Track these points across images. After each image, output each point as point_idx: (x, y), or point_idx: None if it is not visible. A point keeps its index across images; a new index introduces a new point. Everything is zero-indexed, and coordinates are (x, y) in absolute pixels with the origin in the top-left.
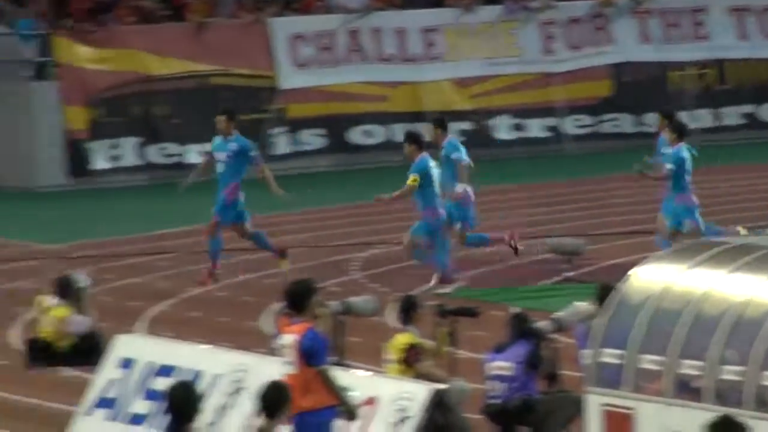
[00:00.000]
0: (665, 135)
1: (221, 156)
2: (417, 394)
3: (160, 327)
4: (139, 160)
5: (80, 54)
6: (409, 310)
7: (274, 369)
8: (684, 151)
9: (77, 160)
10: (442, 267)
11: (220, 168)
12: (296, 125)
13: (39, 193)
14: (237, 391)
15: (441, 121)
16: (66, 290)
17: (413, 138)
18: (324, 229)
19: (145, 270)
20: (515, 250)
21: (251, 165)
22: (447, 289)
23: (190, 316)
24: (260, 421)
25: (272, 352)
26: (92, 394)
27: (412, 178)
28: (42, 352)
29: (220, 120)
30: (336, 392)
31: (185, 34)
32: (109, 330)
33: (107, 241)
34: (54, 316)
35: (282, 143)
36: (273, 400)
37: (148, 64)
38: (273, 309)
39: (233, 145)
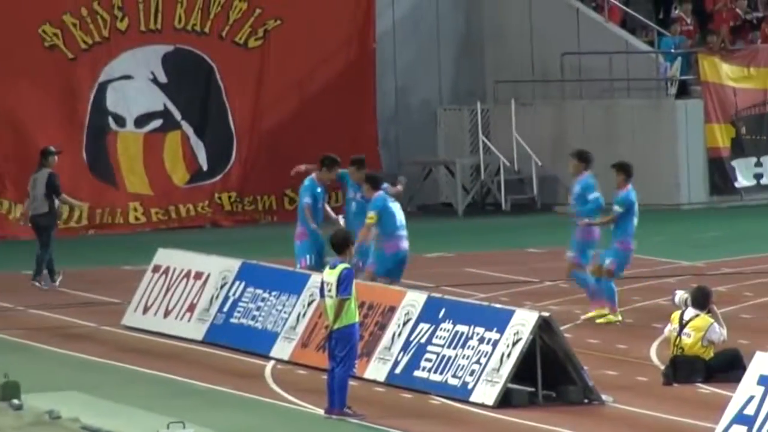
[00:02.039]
0: None
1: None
2: None
3: None
4: None
5: (723, 72)
6: None
7: None
8: None
9: (720, 178)
10: None
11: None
12: None
13: (682, 210)
14: None
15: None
16: (703, 301)
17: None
18: None
19: None
20: None
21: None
22: None
23: None
24: None
25: None
26: (730, 411)
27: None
28: (682, 368)
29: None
30: None
31: None
32: (748, 347)
33: (746, 259)
34: (694, 326)
35: None
36: None
37: None
38: None
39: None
